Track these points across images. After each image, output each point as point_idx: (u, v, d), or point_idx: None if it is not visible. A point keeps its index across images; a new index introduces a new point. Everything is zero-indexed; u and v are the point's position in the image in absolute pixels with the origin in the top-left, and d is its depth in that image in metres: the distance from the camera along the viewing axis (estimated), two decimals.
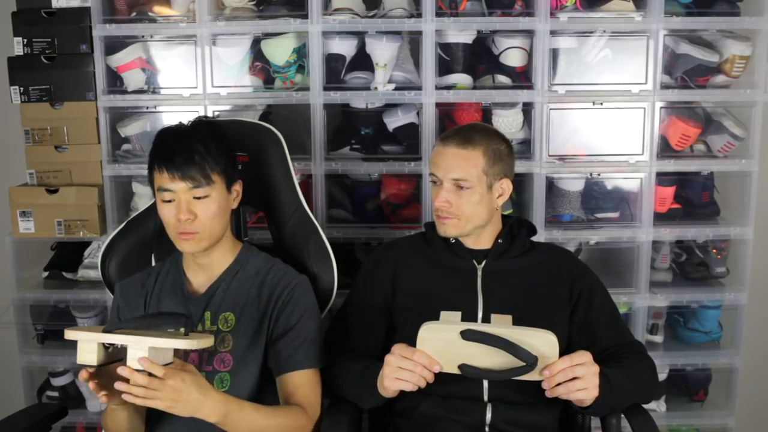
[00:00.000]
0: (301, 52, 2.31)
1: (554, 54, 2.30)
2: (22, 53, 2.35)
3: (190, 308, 1.64)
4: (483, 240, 1.77)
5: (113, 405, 1.46)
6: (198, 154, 1.57)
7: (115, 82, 2.38)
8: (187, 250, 1.62)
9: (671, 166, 2.35)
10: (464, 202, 1.70)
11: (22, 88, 2.35)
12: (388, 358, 1.52)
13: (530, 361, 1.44)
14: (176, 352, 1.38)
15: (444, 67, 2.31)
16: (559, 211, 2.39)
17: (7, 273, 2.43)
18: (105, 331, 1.33)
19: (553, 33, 2.26)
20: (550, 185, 2.38)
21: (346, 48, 2.30)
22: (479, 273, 1.74)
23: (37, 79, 2.35)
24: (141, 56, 2.35)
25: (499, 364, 1.46)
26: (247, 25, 2.29)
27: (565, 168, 2.35)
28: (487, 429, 1.63)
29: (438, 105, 2.28)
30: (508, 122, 2.31)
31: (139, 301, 1.70)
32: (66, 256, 2.53)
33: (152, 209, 1.86)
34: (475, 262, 1.76)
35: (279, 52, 2.30)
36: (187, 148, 1.57)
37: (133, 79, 2.36)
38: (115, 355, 1.39)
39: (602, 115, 2.35)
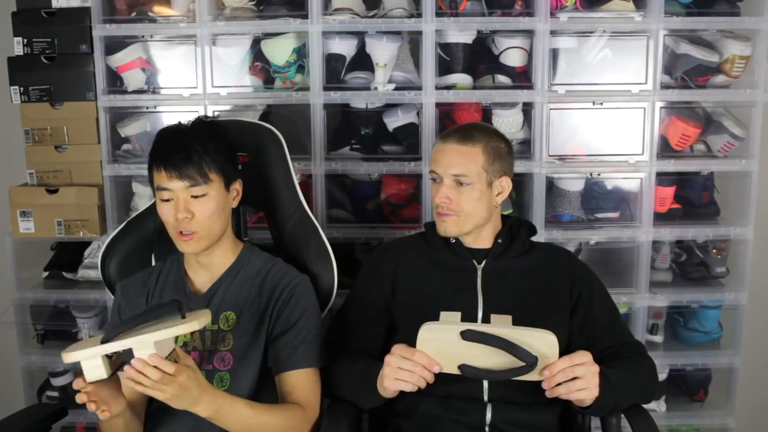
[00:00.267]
0: (301, 52, 2.31)
1: (554, 54, 2.30)
2: (22, 53, 2.35)
3: (192, 307, 1.64)
4: (483, 239, 1.77)
5: (104, 417, 1.46)
6: (195, 153, 1.57)
7: (115, 82, 2.38)
8: (188, 251, 1.62)
9: (671, 166, 2.35)
10: (464, 199, 1.70)
11: (22, 88, 2.35)
12: (387, 358, 1.52)
13: (530, 361, 1.44)
14: (177, 338, 1.38)
15: (444, 67, 2.31)
16: (559, 211, 2.39)
17: (7, 273, 2.43)
18: (103, 341, 1.32)
19: (553, 33, 2.26)
20: (550, 185, 2.38)
21: (346, 48, 2.30)
22: (479, 273, 1.74)
23: (37, 79, 2.35)
24: (141, 56, 2.35)
25: (499, 365, 1.46)
26: (247, 25, 2.29)
27: (565, 168, 2.35)
28: (487, 429, 1.63)
29: (438, 105, 2.28)
30: (508, 122, 2.31)
31: (140, 300, 1.70)
32: (66, 256, 2.53)
33: (152, 209, 1.86)
34: (475, 262, 1.76)
35: (279, 52, 2.30)
36: (185, 147, 1.57)
37: (133, 79, 2.36)
38: (119, 360, 1.40)
39: (602, 115, 2.35)
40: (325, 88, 2.28)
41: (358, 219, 2.40)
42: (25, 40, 2.34)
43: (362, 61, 2.31)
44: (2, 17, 2.38)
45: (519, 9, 2.30)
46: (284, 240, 1.86)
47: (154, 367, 1.32)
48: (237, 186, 1.68)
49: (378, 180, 2.41)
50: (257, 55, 2.35)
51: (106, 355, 1.35)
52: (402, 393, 1.54)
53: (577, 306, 1.74)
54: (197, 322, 1.35)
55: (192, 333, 1.61)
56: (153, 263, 1.86)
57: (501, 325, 1.52)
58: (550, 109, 2.30)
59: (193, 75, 2.32)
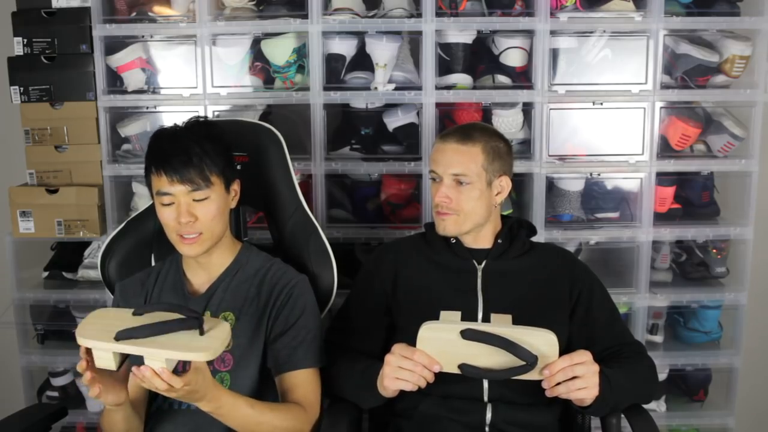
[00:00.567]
0: (301, 52, 2.31)
1: (554, 54, 2.30)
2: (22, 53, 2.35)
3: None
4: (482, 239, 1.77)
5: (110, 406, 1.46)
6: (195, 156, 1.56)
7: (115, 82, 2.38)
8: (190, 254, 1.62)
9: (671, 166, 2.35)
10: (464, 198, 1.70)
11: (22, 88, 2.35)
12: (388, 357, 1.52)
13: (530, 360, 1.44)
14: None
15: (444, 67, 2.31)
16: (559, 211, 2.39)
17: (7, 273, 2.43)
18: (118, 338, 1.32)
19: (553, 33, 2.26)
20: (550, 185, 2.38)
21: (346, 48, 2.30)
22: (479, 273, 1.74)
23: (37, 79, 2.35)
24: (141, 56, 2.35)
25: (499, 364, 1.46)
26: (247, 25, 2.29)
27: (565, 168, 2.35)
28: (487, 429, 1.63)
29: (438, 105, 2.28)
30: (508, 122, 2.31)
31: (139, 300, 1.70)
32: (66, 256, 2.53)
33: (152, 209, 1.85)
34: (475, 262, 1.76)
35: (279, 52, 2.30)
36: (184, 151, 1.56)
37: (133, 79, 2.36)
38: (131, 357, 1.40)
39: (602, 115, 2.35)
40: (325, 88, 2.28)
41: (358, 219, 2.40)
42: (25, 40, 2.34)
43: (362, 61, 2.31)
44: (2, 17, 2.38)
45: (519, 9, 2.31)
46: (284, 240, 1.86)
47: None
48: (236, 186, 1.68)
49: (378, 180, 2.41)
50: (257, 55, 2.35)
51: None
52: (402, 393, 1.54)
53: (577, 306, 1.74)
54: (209, 353, 1.33)
55: None
56: (153, 263, 1.86)
57: (501, 325, 1.51)
58: (550, 109, 2.30)
59: (193, 75, 2.32)
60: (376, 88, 2.28)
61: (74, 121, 2.36)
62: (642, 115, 2.31)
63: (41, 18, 2.33)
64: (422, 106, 2.27)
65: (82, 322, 1.39)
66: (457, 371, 1.48)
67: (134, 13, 2.34)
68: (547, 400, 1.54)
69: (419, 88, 2.27)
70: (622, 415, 1.68)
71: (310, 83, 2.28)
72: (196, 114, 2.24)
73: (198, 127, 1.64)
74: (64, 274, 2.50)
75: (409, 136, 2.34)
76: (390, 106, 2.34)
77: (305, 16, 2.24)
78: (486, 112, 2.35)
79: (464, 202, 1.71)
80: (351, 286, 1.86)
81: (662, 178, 2.36)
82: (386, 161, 2.34)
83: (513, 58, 2.32)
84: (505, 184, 1.76)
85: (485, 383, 1.63)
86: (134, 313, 1.40)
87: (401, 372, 1.49)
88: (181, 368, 1.36)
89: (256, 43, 2.33)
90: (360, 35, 2.30)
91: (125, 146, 2.43)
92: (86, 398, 2.52)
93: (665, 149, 2.37)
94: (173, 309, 1.40)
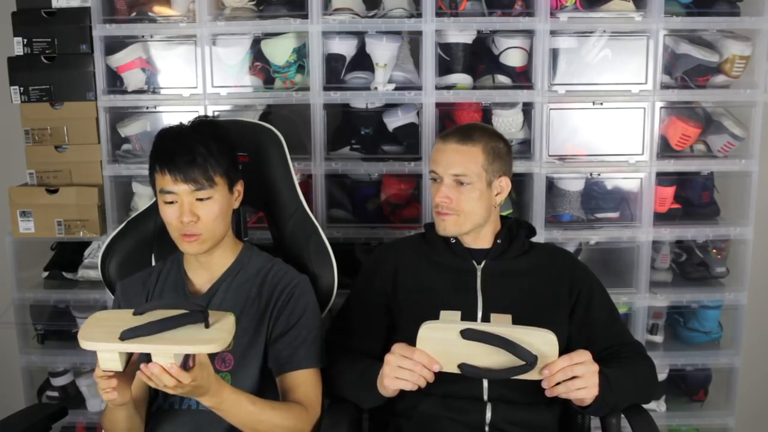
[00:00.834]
0: (301, 52, 2.31)
1: (554, 54, 2.30)
2: (22, 53, 2.35)
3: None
4: (482, 239, 1.78)
5: (113, 404, 1.46)
6: (200, 156, 1.56)
7: (115, 82, 2.38)
8: (191, 251, 1.62)
9: (671, 166, 2.35)
10: (464, 198, 1.70)
11: (22, 88, 2.35)
12: (388, 357, 1.52)
13: (530, 360, 1.44)
14: None
15: (444, 67, 2.31)
16: (559, 211, 2.39)
17: (7, 273, 2.43)
18: (122, 337, 1.32)
19: (553, 33, 2.26)
20: (550, 185, 2.38)
21: (346, 48, 2.30)
22: (479, 273, 1.75)
23: (37, 79, 2.35)
24: (141, 56, 2.35)
25: (498, 364, 1.46)
26: (247, 25, 2.29)
27: (565, 168, 2.35)
28: (487, 428, 1.63)
29: (438, 105, 2.28)
30: (508, 122, 2.31)
31: (140, 300, 1.70)
32: (66, 256, 2.53)
33: (152, 209, 1.86)
34: (474, 262, 1.76)
35: (279, 52, 2.30)
36: (189, 150, 1.56)
37: (133, 79, 2.36)
38: (136, 356, 1.40)
39: (602, 115, 2.35)
40: (325, 88, 2.28)
41: (358, 219, 2.40)
42: (25, 40, 2.34)
43: (362, 61, 2.31)
44: (2, 17, 2.38)
45: (519, 9, 2.30)
46: (284, 240, 1.86)
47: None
48: (239, 187, 1.68)
49: (378, 180, 2.41)
50: (257, 55, 2.35)
51: None
52: (402, 392, 1.54)
53: (577, 306, 1.75)
54: (218, 343, 1.33)
55: None
56: (153, 263, 1.86)
57: (501, 324, 1.51)
58: (550, 109, 2.30)
59: (193, 75, 2.32)
60: (376, 88, 2.28)
61: (74, 121, 2.37)
62: (642, 115, 2.31)
63: (41, 18, 2.33)
64: (422, 106, 2.27)
65: (83, 326, 1.38)
66: (456, 371, 1.47)
67: (134, 13, 2.34)
68: (547, 399, 1.54)
69: (419, 88, 2.27)
70: (622, 415, 1.68)
71: (310, 83, 2.28)
72: (197, 114, 2.26)
73: (203, 127, 1.64)
74: (64, 274, 2.50)
75: (409, 136, 2.34)
76: (390, 106, 2.34)
77: (305, 16, 2.24)
78: (486, 112, 2.35)
79: (464, 202, 1.71)
80: (351, 286, 1.87)
81: (662, 178, 2.36)
82: (386, 161, 2.34)
83: (513, 58, 2.32)
84: (505, 185, 1.76)
85: (485, 383, 1.63)
86: (135, 313, 1.40)
87: (401, 372, 1.49)
88: (185, 364, 1.36)
89: (256, 43, 2.33)
90: (360, 35, 2.30)
91: (125, 146, 2.43)
92: (86, 398, 2.52)
93: (665, 149, 2.37)
94: (175, 305, 1.40)
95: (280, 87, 2.34)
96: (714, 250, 2.46)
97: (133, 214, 1.92)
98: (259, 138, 1.87)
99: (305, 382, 1.62)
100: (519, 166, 2.22)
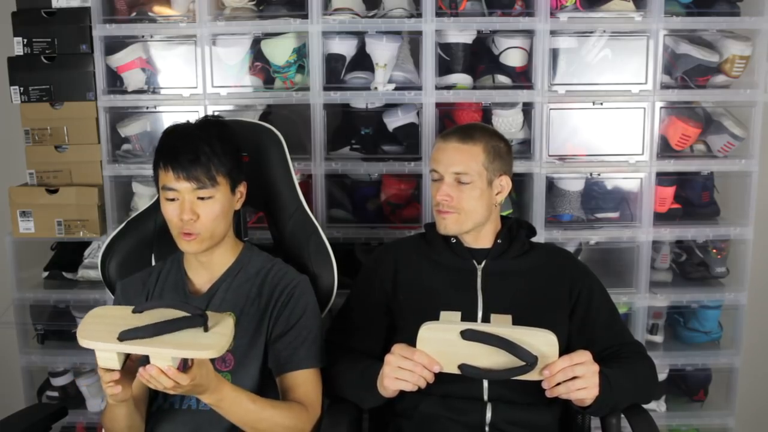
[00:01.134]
0: (301, 52, 2.31)
1: (554, 54, 2.30)
2: (22, 53, 2.35)
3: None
4: (482, 239, 1.78)
5: (114, 400, 1.46)
6: (204, 155, 1.56)
7: (115, 82, 2.38)
8: (189, 250, 1.62)
9: (671, 166, 2.35)
10: (465, 197, 1.71)
11: (22, 88, 2.35)
12: (388, 357, 1.52)
13: (530, 360, 1.44)
14: None
15: (444, 67, 2.31)
16: (559, 211, 2.39)
17: (7, 273, 2.43)
18: (121, 338, 1.32)
19: (553, 33, 2.26)
20: (550, 185, 2.38)
21: (346, 48, 2.30)
22: (479, 273, 1.75)
23: (37, 79, 2.35)
24: (141, 56, 2.35)
25: (499, 364, 1.46)
26: (247, 25, 2.29)
27: (565, 168, 2.35)
28: (487, 429, 1.63)
29: (438, 105, 2.28)
30: (508, 122, 2.31)
31: (140, 299, 1.70)
32: (66, 256, 2.53)
33: (152, 209, 1.86)
34: (474, 262, 1.76)
35: (279, 52, 2.30)
36: (193, 149, 1.56)
37: (133, 79, 2.36)
38: (135, 357, 1.41)
39: (602, 115, 2.35)
40: (325, 88, 2.28)
41: (358, 219, 2.40)
42: (25, 40, 2.34)
43: (362, 61, 2.31)
44: (2, 17, 2.38)
45: (519, 9, 2.30)
46: (284, 240, 1.86)
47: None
48: (242, 188, 1.68)
49: (378, 180, 2.41)
50: (257, 55, 2.35)
51: None
52: (402, 393, 1.54)
53: (577, 306, 1.75)
54: (216, 349, 1.33)
55: None
56: (153, 263, 1.86)
57: (501, 325, 1.51)
58: (550, 109, 2.30)
59: (193, 75, 2.32)
60: (376, 88, 2.28)
61: (74, 121, 2.37)
62: (642, 115, 2.31)
63: (41, 18, 2.33)
64: (422, 106, 2.27)
65: (82, 323, 1.39)
66: (457, 371, 1.47)
67: (134, 13, 2.34)
68: (547, 400, 1.54)
69: (419, 88, 2.27)
70: (622, 415, 1.68)
71: (310, 83, 2.28)
72: (197, 114, 2.26)
73: (209, 126, 1.64)
74: (64, 274, 2.51)
75: (409, 136, 2.34)
76: (390, 106, 2.34)
77: (305, 16, 2.24)
78: (486, 112, 2.35)
79: (465, 201, 1.71)
80: (351, 286, 1.87)
81: (662, 178, 2.36)
82: (386, 161, 2.34)
83: (513, 58, 2.32)
84: (505, 184, 1.77)
85: (485, 383, 1.63)
86: (134, 311, 1.41)
87: (401, 372, 1.49)
88: (183, 366, 1.36)
89: (256, 43, 2.33)
90: (360, 35, 2.30)
91: (125, 146, 2.43)
92: (86, 398, 2.52)
93: (665, 149, 2.37)
94: (175, 306, 1.40)
95: (280, 87, 2.34)
96: (714, 250, 2.46)
97: (133, 214, 1.91)
98: (259, 138, 1.87)
99: (305, 382, 1.62)
100: (519, 166, 2.22)
